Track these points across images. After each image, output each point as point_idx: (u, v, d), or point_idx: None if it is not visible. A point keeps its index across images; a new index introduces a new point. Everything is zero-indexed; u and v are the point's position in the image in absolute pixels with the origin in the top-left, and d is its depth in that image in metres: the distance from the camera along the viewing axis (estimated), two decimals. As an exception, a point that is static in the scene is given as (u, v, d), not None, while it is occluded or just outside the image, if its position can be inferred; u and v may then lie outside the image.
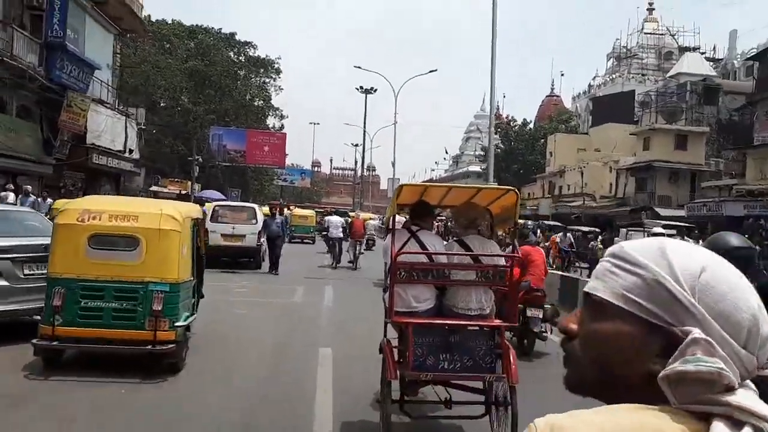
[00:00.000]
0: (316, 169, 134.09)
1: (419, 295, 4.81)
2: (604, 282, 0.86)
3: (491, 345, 4.69)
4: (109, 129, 26.45)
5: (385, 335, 5.14)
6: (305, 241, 32.68)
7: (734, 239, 3.50)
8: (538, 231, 29.01)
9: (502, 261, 5.11)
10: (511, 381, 4.53)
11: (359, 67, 36.45)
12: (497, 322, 4.92)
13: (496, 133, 61.59)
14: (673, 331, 0.79)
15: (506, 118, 57.79)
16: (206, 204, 18.87)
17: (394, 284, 4.67)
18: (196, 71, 56.03)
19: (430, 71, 36.25)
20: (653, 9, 68.29)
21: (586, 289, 0.89)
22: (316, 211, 49.38)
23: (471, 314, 4.81)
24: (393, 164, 36.70)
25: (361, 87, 63.11)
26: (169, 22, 60.22)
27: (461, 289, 4.87)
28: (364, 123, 61.76)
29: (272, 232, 16.65)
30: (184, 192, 37.49)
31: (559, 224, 30.42)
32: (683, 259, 0.82)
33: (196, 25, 60.98)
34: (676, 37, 66.78)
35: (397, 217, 14.51)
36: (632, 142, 43.46)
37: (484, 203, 5.35)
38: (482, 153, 60.32)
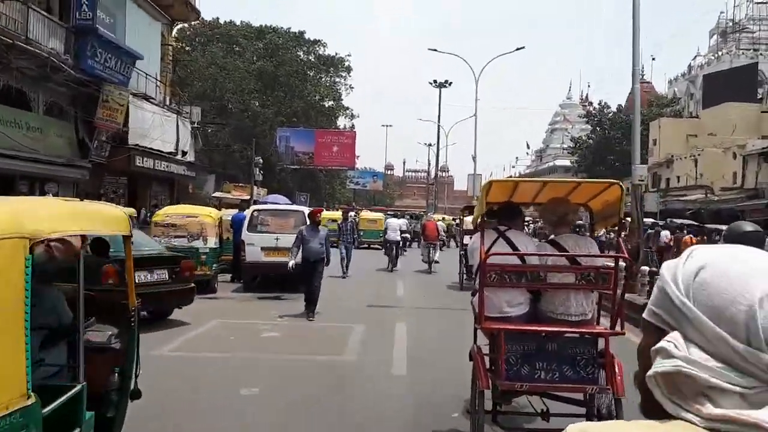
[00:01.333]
0: (388, 171, 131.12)
1: (512, 300, 4.50)
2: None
3: (593, 354, 4.26)
4: (157, 128, 23.22)
5: (475, 341, 4.89)
6: (373, 246, 29.10)
7: (747, 225, 4.74)
8: (666, 232, 23.82)
9: (605, 261, 4.67)
10: (617, 393, 4.07)
11: (435, 50, 32.12)
12: (601, 328, 4.54)
13: (587, 122, 55.85)
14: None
15: (599, 104, 51.72)
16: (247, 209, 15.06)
17: (483, 287, 4.31)
18: (265, 72, 53.43)
19: (517, 49, 31.45)
20: (763, -24, 59.97)
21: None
22: (386, 214, 45.73)
23: (571, 320, 4.42)
24: (474, 158, 32.17)
25: (435, 81, 58.85)
26: (238, 23, 58.01)
27: (560, 292, 4.45)
28: (438, 119, 57.47)
29: (311, 253, 10.54)
30: (247, 197, 34.25)
31: (693, 222, 24.86)
32: (689, 261, 0.81)
33: (265, 25, 58.41)
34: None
35: (468, 219, 11.78)
36: (757, 122, 36.81)
37: (583, 199, 4.90)
38: (572, 145, 54.44)
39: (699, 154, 35.98)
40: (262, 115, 50.80)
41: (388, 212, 53.94)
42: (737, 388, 0.72)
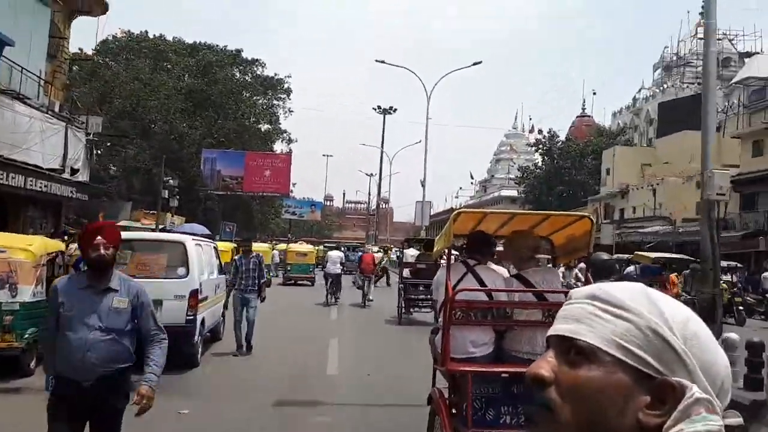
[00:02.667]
0: (328, 202, 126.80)
1: (477, 340, 4.19)
2: (589, 326, 0.79)
3: None
4: (35, 137, 18.31)
5: (434, 384, 4.60)
6: (301, 282, 25.51)
7: (603, 255, 5.85)
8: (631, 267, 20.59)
9: None
10: None
11: (383, 62, 28.49)
12: None
13: (536, 151, 53.58)
14: (667, 382, 0.75)
15: (548, 133, 49.41)
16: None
17: (448, 326, 4.03)
18: (195, 91, 48.68)
19: (474, 63, 28.15)
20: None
21: (561, 332, 0.81)
22: (325, 247, 41.51)
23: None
24: (423, 184, 28.32)
25: (379, 107, 55.58)
26: (169, 39, 53.11)
27: (526, 330, 4.18)
28: (382, 145, 54.01)
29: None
30: (161, 226, 29.26)
31: (681, 257, 21.70)
32: (671, 308, 0.79)
33: (199, 42, 53.77)
34: (734, 42, 58.30)
35: (409, 251, 17.81)
36: (715, 151, 34.62)
37: (547, 232, 4.66)
38: (519, 175, 51.76)
39: (658, 184, 33.48)
40: (189, 136, 45.92)
41: (326, 244, 49.71)
42: None
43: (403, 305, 14.36)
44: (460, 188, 78.47)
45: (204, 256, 9.13)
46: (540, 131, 50.08)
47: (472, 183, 75.01)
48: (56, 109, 20.49)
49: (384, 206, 76.49)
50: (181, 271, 8.01)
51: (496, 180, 65.40)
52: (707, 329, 0.79)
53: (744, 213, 26.30)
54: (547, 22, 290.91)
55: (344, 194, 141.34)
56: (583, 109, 72.92)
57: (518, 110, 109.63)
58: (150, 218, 31.42)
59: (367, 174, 69.67)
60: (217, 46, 53.71)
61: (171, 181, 31.94)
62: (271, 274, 23.50)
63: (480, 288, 4.23)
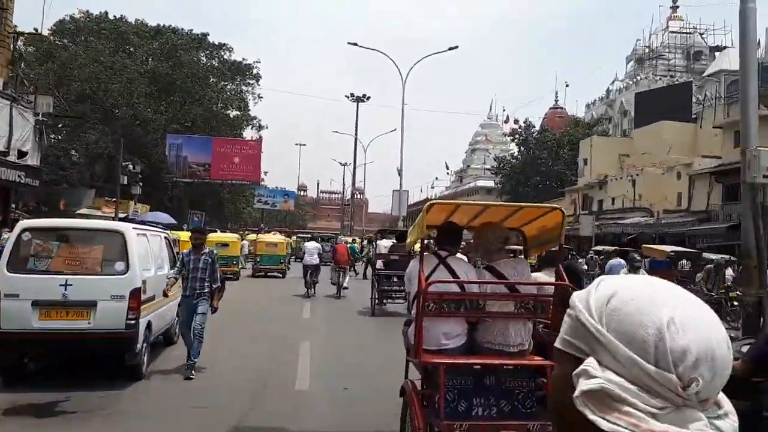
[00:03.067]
0: (301, 192, 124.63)
1: (450, 332, 4.19)
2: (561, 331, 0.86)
3: (532, 387, 3.99)
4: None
5: (406, 376, 4.51)
6: (272, 274, 24.24)
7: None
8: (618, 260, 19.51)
9: (545, 290, 4.36)
10: None
11: (355, 44, 26.82)
12: (539, 360, 4.19)
13: (512, 140, 52.70)
14: (581, 362, 0.79)
15: (524, 122, 48.50)
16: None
17: (421, 318, 3.99)
18: (160, 75, 46.54)
19: (450, 48, 26.78)
20: (677, 6, 59.74)
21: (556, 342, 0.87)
22: (298, 237, 40.03)
23: (510, 351, 4.18)
24: (399, 172, 26.98)
25: (352, 94, 54.05)
26: (131, 21, 50.69)
27: (498, 322, 4.22)
28: (356, 133, 52.52)
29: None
30: (123, 215, 27.50)
31: (690, 250, 20.73)
32: (600, 289, 0.81)
33: (163, 25, 51.50)
34: (704, 36, 58.23)
35: (382, 242, 17.24)
36: (692, 142, 34.14)
37: (519, 223, 4.70)
38: (495, 165, 50.80)
39: (637, 175, 32.76)
40: (154, 122, 43.82)
41: (299, 234, 48.14)
42: (651, 409, 0.73)
43: (377, 296, 14.17)
44: (436, 178, 77.40)
45: (151, 247, 7.69)
46: (516, 121, 49.29)
47: (447, 173, 74.16)
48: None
49: (359, 197, 75.15)
50: (120, 266, 6.57)
51: (472, 170, 64.35)
52: (644, 297, 0.77)
53: (726, 204, 25.61)
54: (523, 13, 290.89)
55: (318, 184, 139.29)
56: (556, 100, 72.47)
57: (493, 99, 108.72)
58: (112, 206, 29.55)
59: (341, 163, 68.15)
60: (182, 29, 51.58)
61: (132, 166, 29.96)
62: (239, 266, 22.12)
63: (453, 279, 4.19)
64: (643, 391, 0.73)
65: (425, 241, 4.78)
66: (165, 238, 8.94)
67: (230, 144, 40.76)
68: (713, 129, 32.81)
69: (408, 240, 5.85)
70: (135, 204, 30.84)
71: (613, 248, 20.12)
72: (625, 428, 0.73)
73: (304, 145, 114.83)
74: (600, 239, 31.49)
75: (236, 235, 23.79)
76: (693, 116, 35.55)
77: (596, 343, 0.77)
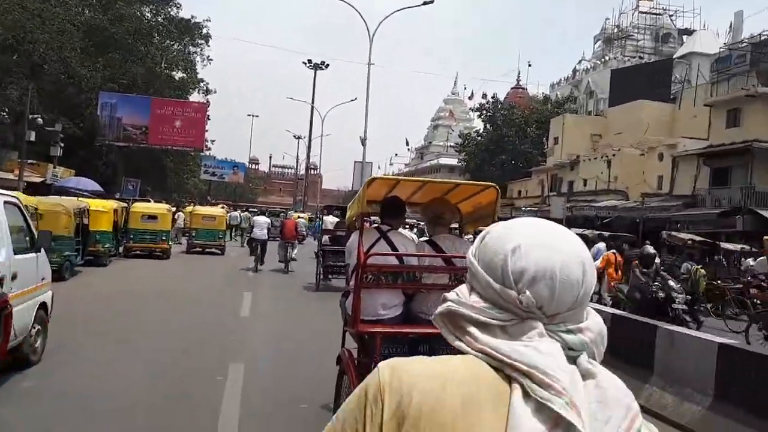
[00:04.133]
0: (253, 166, 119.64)
1: (387, 302, 4.29)
2: None
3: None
4: None
5: (343, 345, 4.64)
6: (209, 250, 21.87)
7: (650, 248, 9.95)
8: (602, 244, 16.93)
9: None
10: None
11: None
12: None
13: (479, 116, 50.07)
14: None
15: (492, 98, 45.74)
16: None
17: (359, 289, 4.11)
18: (96, 27, 41.67)
19: (425, 3, 23.45)
20: (647, -15, 57.92)
21: None
22: (249, 212, 36.40)
23: None
24: (363, 141, 23.65)
25: (310, 61, 50.39)
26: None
27: (433, 293, 4.29)
28: (312, 100, 48.97)
29: None
30: (40, 179, 23.49)
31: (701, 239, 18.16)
32: (483, 234, 0.96)
33: (101, -27, 46.34)
34: (673, 18, 56.72)
35: (328, 218, 17.40)
36: (670, 122, 32.12)
37: (456, 200, 4.75)
38: (459, 142, 48.02)
39: (613, 155, 30.50)
40: (89, 80, 39.10)
41: (249, 209, 44.47)
42: (497, 322, 0.86)
43: (321, 272, 14.28)
44: (396, 155, 74.18)
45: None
46: (484, 95, 46.53)
47: (408, 149, 70.81)
48: None
49: (313, 172, 71.51)
50: None
51: (434, 147, 61.38)
52: (499, 235, 0.91)
53: (714, 189, 23.51)
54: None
55: (270, 158, 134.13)
56: (518, 80, 70.19)
57: (458, 74, 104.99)
58: (30, 169, 25.38)
59: (295, 136, 64.34)
60: (125, -21, 46.55)
61: (49, 123, 25.78)
62: (170, 242, 18.69)
63: (391, 252, 4.31)
64: (495, 308, 0.86)
65: (368, 216, 5.06)
66: (10, 204, 5.61)
67: (171, 105, 36.59)
68: (694, 110, 30.84)
69: (348, 214, 5.88)
70: (54, 167, 26.69)
71: (598, 233, 17.54)
72: (466, 345, 0.86)
73: (257, 116, 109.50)
74: (571, 222, 29.20)
75: (166, 206, 20.30)
76: (672, 96, 33.52)
77: (471, 273, 0.92)
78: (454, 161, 51.41)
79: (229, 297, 11.95)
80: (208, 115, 52.33)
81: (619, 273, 13.49)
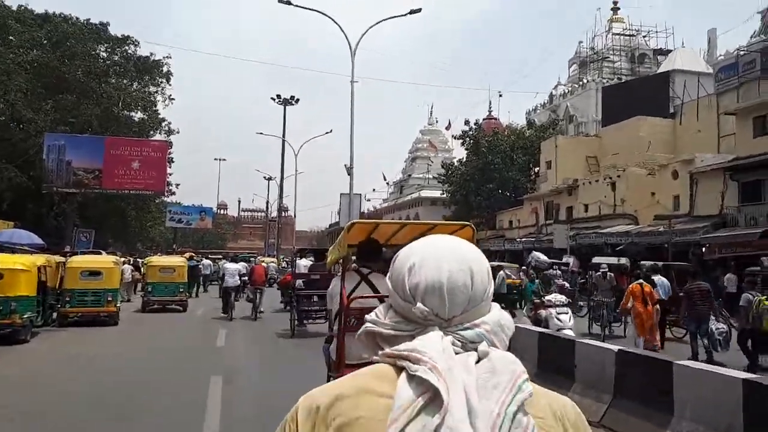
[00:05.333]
0: (221, 211, 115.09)
1: None
2: None
3: None
4: None
5: None
6: (171, 306, 18.56)
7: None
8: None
9: None
10: None
11: (289, 3, 19.99)
12: None
13: (462, 144, 47.31)
14: None
15: (475, 124, 43.03)
16: None
17: (344, 333, 4.13)
18: (45, 67, 38.02)
19: (411, 12, 20.51)
20: (618, 8, 56.85)
21: None
22: (207, 257, 32.48)
23: None
24: (349, 170, 19.98)
25: (279, 96, 47.17)
26: (11, 5, 41.67)
27: None
28: (283, 138, 45.59)
29: None
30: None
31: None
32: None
33: (53, 12, 42.91)
34: (646, 39, 55.47)
35: (302, 261, 17.70)
36: (671, 138, 29.69)
37: None
38: (442, 173, 45.04)
39: (618, 176, 27.72)
40: (37, 123, 35.32)
41: (209, 256, 40.48)
42: (405, 333, 0.96)
43: (296, 317, 13.56)
44: (374, 190, 70.87)
45: None
46: (466, 121, 43.81)
47: (387, 183, 67.11)
48: None
49: (285, 214, 67.87)
50: None
51: (414, 180, 58.24)
52: (403, 254, 1.02)
53: (746, 206, 20.73)
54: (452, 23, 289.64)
55: (240, 201, 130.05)
56: (490, 111, 68.14)
57: (433, 104, 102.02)
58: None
59: (266, 177, 60.71)
60: (76, 18, 43.19)
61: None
62: (118, 299, 14.86)
63: (374, 295, 4.28)
64: (404, 321, 0.97)
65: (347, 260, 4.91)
66: None
67: (128, 145, 32.82)
68: (697, 124, 28.44)
69: (328, 259, 5.69)
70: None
71: (651, 263, 14.34)
72: (380, 358, 0.96)
73: (224, 159, 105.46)
74: (575, 251, 26.20)
75: (113, 258, 16.41)
76: (671, 113, 31.14)
77: (388, 291, 1.03)
78: (436, 193, 48.45)
79: (191, 375, 8.44)
80: (171, 157, 48.65)
81: (649, 307, 10.39)
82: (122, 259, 23.13)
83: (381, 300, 4.02)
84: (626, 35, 54.85)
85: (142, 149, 32.75)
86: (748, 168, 20.57)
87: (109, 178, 31.34)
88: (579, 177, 31.44)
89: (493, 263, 21.47)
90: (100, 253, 22.41)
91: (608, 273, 12.79)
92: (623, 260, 14.08)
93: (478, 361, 0.90)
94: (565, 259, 22.77)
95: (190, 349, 11.20)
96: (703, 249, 21.45)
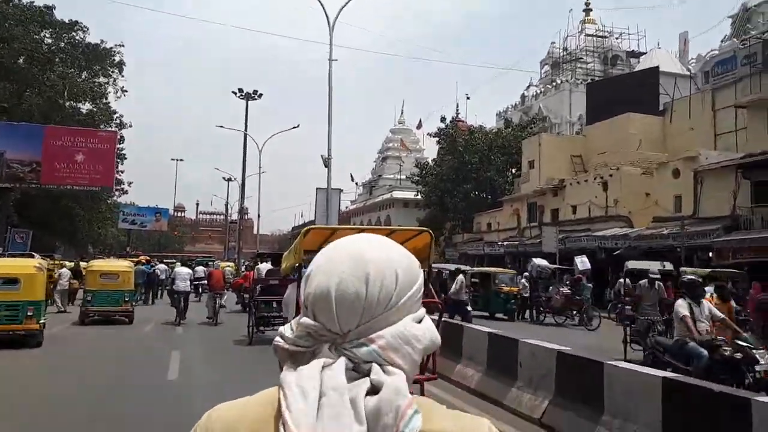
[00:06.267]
0: (179, 213, 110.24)
1: None
2: None
3: None
4: None
5: None
6: (115, 317, 15.87)
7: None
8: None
9: None
10: None
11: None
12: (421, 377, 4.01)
13: (437, 143, 44.86)
14: None
15: (451, 121, 40.64)
16: None
17: None
18: (-22, 50, 34.00)
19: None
20: (590, 10, 55.66)
21: None
22: (169, 263, 28.92)
23: None
24: (326, 160, 17.04)
25: (240, 90, 43.88)
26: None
27: None
28: (245, 137, 42.33)
29: None
30: None
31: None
32: None
33: (-9, -6, 38.59)
34: (619, 40, 54.43)
35: (262, 266, 15.54)
36: (661, 137, 27.97)
37: None
38: (415, 173, 42.48)
39: (610, 175, 25.69)
40: (-32, 111, 31.32)
41: (168, 259, 37.02)
42: (304, 348, 0.84)
43: (254, 323, 12.78)
44: (341, 191, 67.64)
45: None
46: (443, 118, 41.39)
47: (356, 184, 63.84)
48: None
49: (246, 216, 64.31)
50: None
51: (384, 180, 55.36)
52: (313, 261, 0.89)
53: (761, 207, 18.82)
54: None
55: (198, 204, 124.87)
56: (457, 113, 66.16)
57: (403, 103, 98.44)
58: None
59: (225, 178, 57.17)
60: (20, 0, 39.02)
61: None
62: (42, 314, 11.67)
63: None
64: (304, 336, 0.84)
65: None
66: None
67: (71, 135, 29.06)
68: (689, 121, 26.72)
69: (283, 265, 5.94)
70: None
71: (709, 270, 11.97)
72: (280, 378, 0.83)
73: (181, 160, 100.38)
74: (563, 256, 24.05)
75: (34, 262, 12.93)
76: (661, 109, 29.38)
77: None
78: (409, 194, 45.88)
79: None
80: (123, 153, 44.88)
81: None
82: (58, 263, 19.75)
83: None
84: (599, 36, 53.64)
85: (87, 140, 29.06)
86: (763, 165, 18.65)
87: (48, 173, 27.59)
88: (564, 177, 29.37)
89: (452, 266, 19.18)
90: (32, 256, 19.10)
91: (658, 282, 10.35)
92: (667, 265, 11.65)
93: (372, 391, 0.78)
94: (577, 261, 20.48)
95: (133, 387, 8.20)
96: (710, 254, 19.49)
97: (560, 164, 30.58)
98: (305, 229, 4.59)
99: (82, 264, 22.02)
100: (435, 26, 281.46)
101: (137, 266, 24.13)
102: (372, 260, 0.84)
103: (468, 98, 62.23)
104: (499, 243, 31.46)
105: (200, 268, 23.75)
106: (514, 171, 36.94)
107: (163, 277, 25.10)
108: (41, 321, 11.36)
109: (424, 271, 2.78)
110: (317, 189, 16.80)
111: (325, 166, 17.18)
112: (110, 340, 12.95)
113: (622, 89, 30.52)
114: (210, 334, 14.35)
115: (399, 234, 4.76)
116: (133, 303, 16.49)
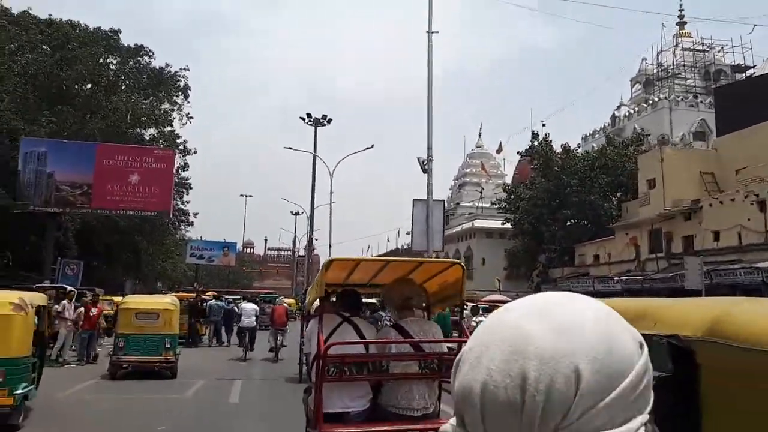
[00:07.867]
0: (247, 250, 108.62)
1: (352, 393, 3.80)
2: None
3: None
4: None
5: None
6: (155, 367, 11.72)
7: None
8: None
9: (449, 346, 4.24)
10: None
11: None
12: (443, 420, 2.99)
13: (529, 162, 39.75)
14: None
15: (544, 139, 35.55)
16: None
17: (321, 383, 3.62)
18: (42, 73, 31.81)
19: None
20: (685, 23, 49.70)
21: None
22: (229, 299, 24.53)
23: (414, 415, 3.77)
24: (424, 165, 12.39)
25: (309, 115, 40.20)
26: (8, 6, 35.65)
27: (402, 384, 3.83)
28: (314, 166, 38.52)
29: None
30: None
31: None
32: None
33: (60, 19, 36.82)
34: (721, 54, 48.06)
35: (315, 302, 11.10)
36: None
37: (420, 280, 4.37)
38: (503, 197, 37.28)
39: (771, 192, 19.86)
40: (27, 134, 28.67)
41: (232, 294, 33.20)
42: None
43: (305, 361, 10.19)
44: (443, 201, 62.23)
45: None
46: (534, 134, 36.42)
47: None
48: None
49: (314, 252, 60.42)
50: None
51: (462, 209, 50.29)
52: (464, 355, 0.65)
53: None
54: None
55: (266, 240, 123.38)
56: (532, 141, 60.65)
57: (480, 125, 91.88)
58: None
59: (293, 212, 53.75)
60: (86, 25, 37.14)
61: None
62: (20, 387, 7.21)
63: (354, 341, 3.85)
64: None
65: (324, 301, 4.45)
66: None
67: (123, 153, 25.66)
68: None
69: (307, 299, 5.62)
70: None
71: None
72: None
73: (251, 196, 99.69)
74: (709, 293, 18.28)
75: (14, 297, 8.42)
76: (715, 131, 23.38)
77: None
78: (493, 223, 40.63)
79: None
80: (188, 181, 42.03)
81: None
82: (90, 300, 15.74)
83: (366, 347, 3.67)
84: (698, 50, 47.46)
85: (142, 159, 25.57)
86: None
87: (100, 196, 24.14)
88: (689, 197, 23.66)
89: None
90: (93, 290, 15.68)
91: None
92: None
93: None
94: None
95: None
96: None
97: (686, 183, 24.81)
98: (327, 260, 4.22)
99: (115, 299, 17.90)
100: (492, 61, 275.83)
101: (211, 301, 20.66)
102: (536, 353, 0.57)
103: (543, 125, 56.98)
104: (616, 279, 25.71)
105: (268, 305, 21.23)
106: (618, 194, 31.30)
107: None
108: (17, 392, 6.96)
109: (455, 307, 4.30)
110: (414, 200, 12.32)
111: (424, 172, 12.66)
112: (137, 410, 8.48)
113: (757, 93, 24.67)
114: (272, 373, 13.48)
115: (429, 266, 4.35)
116: (176, 351, 11.98)
